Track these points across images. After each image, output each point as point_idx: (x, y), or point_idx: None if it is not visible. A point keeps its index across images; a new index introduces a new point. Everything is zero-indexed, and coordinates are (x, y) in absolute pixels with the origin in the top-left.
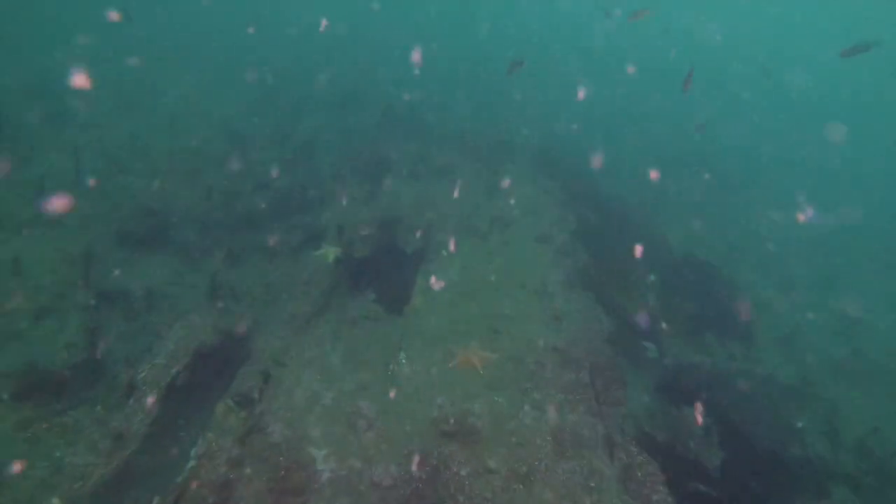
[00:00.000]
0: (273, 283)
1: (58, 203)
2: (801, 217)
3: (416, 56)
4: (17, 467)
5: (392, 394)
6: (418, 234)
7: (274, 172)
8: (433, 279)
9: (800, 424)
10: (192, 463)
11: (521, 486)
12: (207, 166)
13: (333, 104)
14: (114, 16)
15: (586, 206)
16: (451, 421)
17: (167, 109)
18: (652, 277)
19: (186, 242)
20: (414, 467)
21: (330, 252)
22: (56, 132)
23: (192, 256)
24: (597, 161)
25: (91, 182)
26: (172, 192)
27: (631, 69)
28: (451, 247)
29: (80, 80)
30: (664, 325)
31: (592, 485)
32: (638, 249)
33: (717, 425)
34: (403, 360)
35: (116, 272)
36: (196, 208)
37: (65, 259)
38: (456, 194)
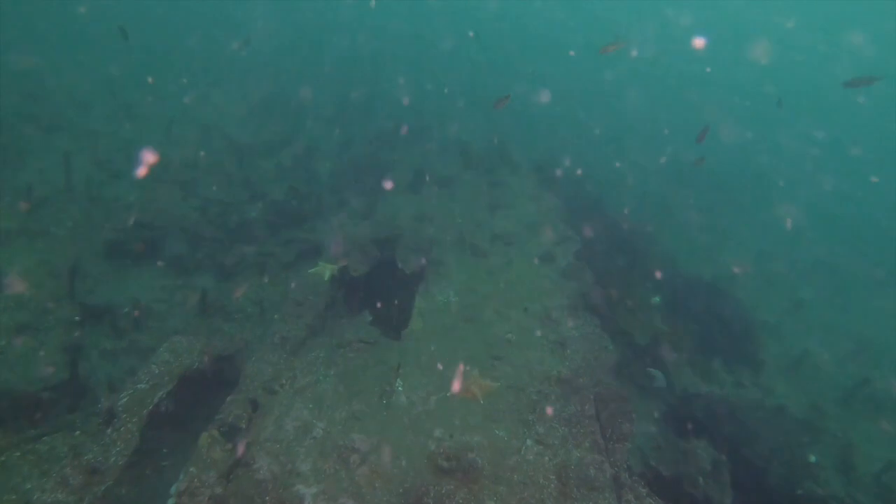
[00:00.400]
0: (266, 301)
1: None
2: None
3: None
4: None
5: (387, 425)
6: (418, 252)
7: (271, 183)
8: (431, 301)
9: (813, 459)
10: (171, 501)
11: None
12: (203, 175)
13: (334, 114)
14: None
15: (589, 223)
16: (449, 456)
17: (165, 117)
18: (657, 299)
19: (178, 256)
20: None
21: (326, 269)
22: (49, 139)
23: (184, 270)
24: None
25: (81, 190)
26: (165, 202)
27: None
28: (451, 266)
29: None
30: (670, 351)
31: None
32: (644, 270)
33: (727, 460)
34: (400, 388)
35: (103, 286)
36: (189, 219)
37: (50, 272)
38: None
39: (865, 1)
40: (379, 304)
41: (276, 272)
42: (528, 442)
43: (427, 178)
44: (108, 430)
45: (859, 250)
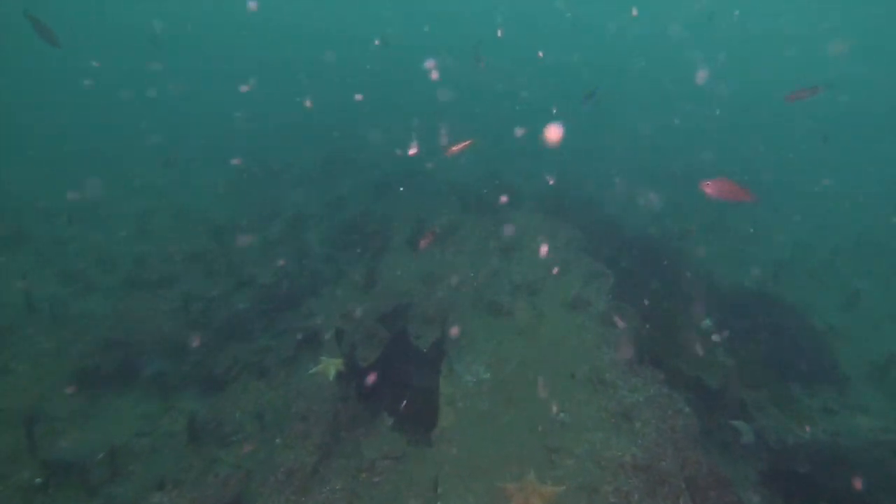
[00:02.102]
0: (268, 412)
1: None
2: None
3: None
4: None
5: None
6: (432, 323)
7: (257, 264)
8: (458, 383)
9: None
10: None
11: None
12: (183, 270)
13: (317, 173)
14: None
15: (613, 250)
16: None
17: (138, 210)
18: (707, 322)
19: (159, 374)
20: None
21: (330, 366)
22: (10, 255)
23: (167, 391)
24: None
25: (45, 311)
26: (141, 311)
27: None
28: (474, 333)
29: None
30: (746, 390)
31: None
32: (683, 291)
33: None
34: None
35: (72, 429)
36: (169, 326)
37: (6, 422)
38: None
39: None
40: (399, 404)
41: (276, 372)
42: None
43: (427, 230)
44: None
45: None
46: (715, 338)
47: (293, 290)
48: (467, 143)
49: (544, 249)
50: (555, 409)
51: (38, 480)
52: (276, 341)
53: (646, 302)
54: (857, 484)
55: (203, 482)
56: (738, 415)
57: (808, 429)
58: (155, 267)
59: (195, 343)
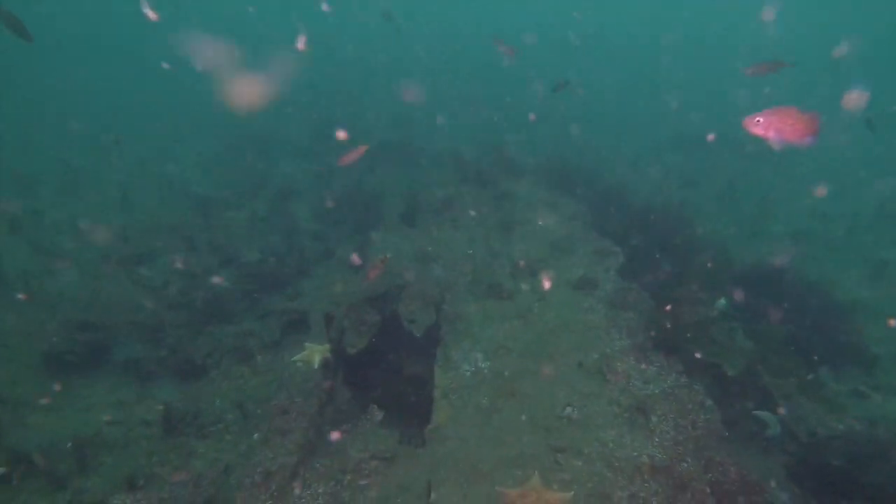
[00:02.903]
0: (249, 400)
1: None
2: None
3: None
4: None
5: None
6: (427, 305)
7: (243, 239)
8: (455, 373)
9: None
10: None
11: None
12: (164, 245)
13: (308, 144)
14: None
15: (622, 224)
16: None
17: (121, 178)
18: (722, 301)
19: (134, 358)
20: None
21: (315, 353)
22: None
23: (143, 377)
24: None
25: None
26: (119, 288)
27: None
28: (472, 317)
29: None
30: (769, 376)
31: None
32: (698, 267)
33: None
34: None
35: (39, 417)
36: (147, 306)
37: None
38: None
39: None
40: (390, 396)
41: (259, 357)
42: None
43: (422, 204)
44: None
45: None
46: (720, 303)
47: (280, 268)
48: (362, 149)
49: (547, 223)
50: (561, 401)
51: (1, 470)
52: (260, 324)
53: (656, 281)
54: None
55: (176, 480)
56: (761, 404)
57: (840, 419)
58: (135, 241)
59: (174, 325)
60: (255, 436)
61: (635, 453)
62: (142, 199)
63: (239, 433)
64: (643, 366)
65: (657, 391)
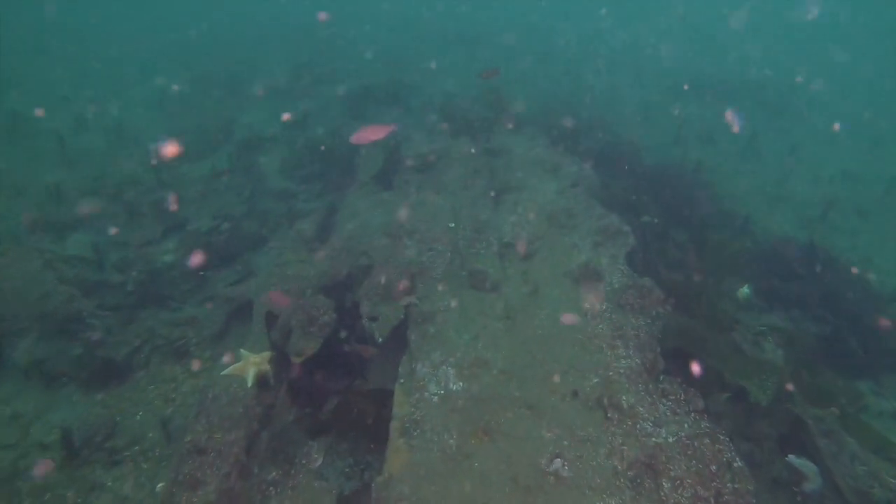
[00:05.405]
0: (177, 414)
1: None
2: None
3: None
4: None
5: None
6: (394, 300)
7: (196, 201)
8: (419, 397)
9: None
10: None
11: None
12: (98, 207)
13: (286, 84)
14: None
15: (631, 192)
16: None
17: (52, 125)
18: (746, 290)
19: (39, 360)
20: None
21: (249, 366)
22: None
23: (50, 383)
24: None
25: None
26: (31, 264)
27: None
28: (447, 315)
29: None
30: (804, 406)
31: None
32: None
33: None
34: None
35: None
36: (64, 288)
37: None
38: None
39: None
40: (338, 424)
41: (197, 353)
42: None
43: (403, 160)
44: None
45: None
46: (743, 292)
47: (234, 237)
48: (384, 129)
49: (546, 191)
50: (547, 447)
51: None
52: (200, 310)
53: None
54: None
55: None
56: (799, 447)
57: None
58: (69, 201)
59: (96, 314)
60: (158, 486)
61: None
62: (88, 145)
63: (158, 461)
64: (654, 399)
65: (671, 440)
